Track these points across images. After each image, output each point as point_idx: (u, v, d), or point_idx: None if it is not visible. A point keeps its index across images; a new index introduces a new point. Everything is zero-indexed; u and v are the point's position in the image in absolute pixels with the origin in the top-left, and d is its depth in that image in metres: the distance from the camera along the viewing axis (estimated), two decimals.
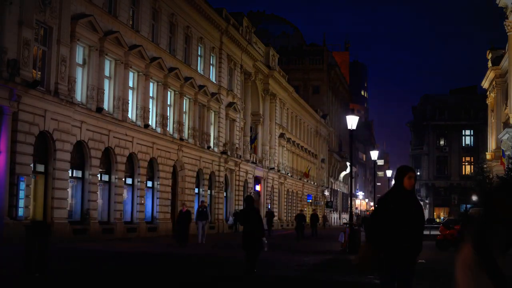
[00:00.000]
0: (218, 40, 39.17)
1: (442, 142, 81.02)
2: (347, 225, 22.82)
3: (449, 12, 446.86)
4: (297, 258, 18.44)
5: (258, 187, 48.74)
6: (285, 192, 57.89)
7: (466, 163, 79.28)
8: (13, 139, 19.43)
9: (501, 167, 42.68)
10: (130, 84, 28.44)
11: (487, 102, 62.77)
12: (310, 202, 65.78)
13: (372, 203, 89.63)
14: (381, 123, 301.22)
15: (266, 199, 50.36)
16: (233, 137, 42.10)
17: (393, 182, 6.20)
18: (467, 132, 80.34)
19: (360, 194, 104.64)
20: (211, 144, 37.76)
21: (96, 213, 24.94)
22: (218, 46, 39.30)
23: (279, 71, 54.48)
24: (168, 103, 32.37)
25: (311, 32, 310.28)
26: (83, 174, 24.45)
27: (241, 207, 38.99)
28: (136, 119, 28.64)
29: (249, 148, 45.80)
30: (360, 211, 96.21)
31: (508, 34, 43.71)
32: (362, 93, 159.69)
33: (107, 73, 26.18)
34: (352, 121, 23.46)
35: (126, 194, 27.88)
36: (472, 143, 79.89)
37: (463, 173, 78.64)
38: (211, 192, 38.42)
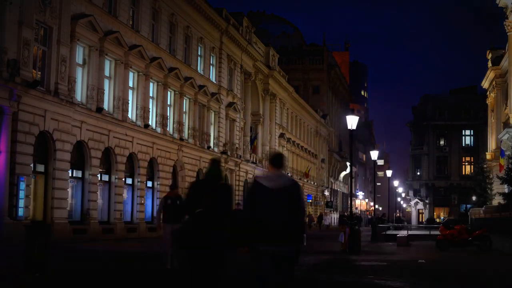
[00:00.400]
0: (218, 40, 39.17)
1: (442, 142, 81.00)
2: (346, 219, 22.80)
3: (449, 12, 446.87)
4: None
5: None
6: None
7: (466, 163, 79.25)
8: (13, 139, 19.43)
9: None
10: (130, 84, 28.44)
11: (487, 102, 62.76)
12: (310, 202, 65.75)
13: (372, 203, 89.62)
14: (381, 123, 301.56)
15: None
16: (233, 137, 42.11)
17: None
18: (467, 132, 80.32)
19: (360, 194, 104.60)
20: (211, 144, 37.76)
21: (96, 213, 24.95)
22: (218, 46, 39.31)
23: (279, 71, 54.48)
24: (168, 103, 32.37)
25: (311, 32, 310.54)
26: (83, 174, 24.45)
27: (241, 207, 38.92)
28: (136, 119, 28.64)
29: (249, 148, 45.80)
30: (360, 211, 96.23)
31: (508, 34, 43.72)
32: (362, 93, 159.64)
33: (107, 73, 26.18)
34: (352, 121, 23.46)
35: (126, 194, 27.89)
36: (472, 143, 79.86)
37: (463, 173, 78.61)
38: None
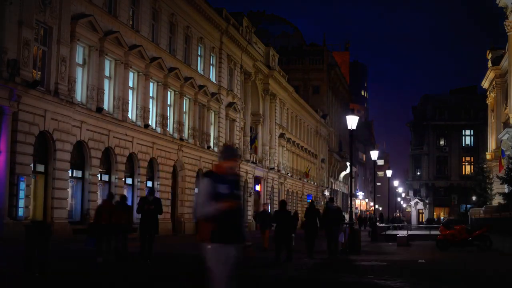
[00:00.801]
0: (218, 40, 39.17)
1: (442, 142, 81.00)
2: (347, 225, 22.80)
3: (449, 12, 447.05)
4: (297, 258, 18.42)
5: (258, 187, 48.74)
6: (285, 192, 57.87)
7: (466, 163, 79.25)
8: (13, 139, 19.43)
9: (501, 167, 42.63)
10: (130, 84, 28.44)
11: (487, 102, 62.76)
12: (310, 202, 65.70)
13: (372, 203, 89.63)
14: (381, 123, 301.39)
15: (266, 199, 50.34)
16: (233, 137, 42.11)
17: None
18: (467, 132, 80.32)
19: (360, 194, 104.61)
20: (211, 144, 37.76)
21: None
22: (218, 46, 39.31)
23: (279, 71, 54.48)
24: (168, 103, 32.38)
25: (311, 32, 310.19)
26: (83, 174, 24.45)
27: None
28: (136, 119, 28.64)
29: (249, 148, 45.80)
30: (360, 211, 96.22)
31: (508, 34, 43.71)
32: (362, 93, 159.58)
33: (107, 73, 26.18)
34: (352, 121, 23.46)
35: (126, 194, 27.85)
36: (472, 143, 79.87)
37: (463, 173, 78.60)
38: None
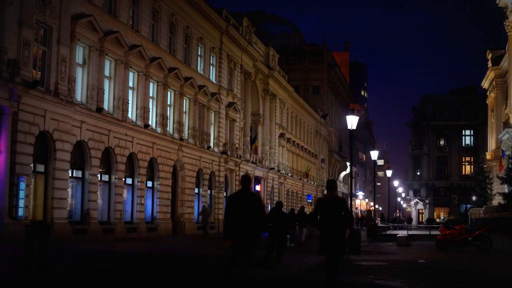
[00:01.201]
0: (218, 40, 39.17)
1: (442, 142, 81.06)
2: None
3: (449, 12, 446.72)
4: (297, 258, 18.43)
5: (258, 187, 48.73)
6: (285, 192, 57.88)
7: (466, 163, 79.33)
8: (13, 139, 19.44)
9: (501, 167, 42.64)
10: (130, 84, 28.44)
11: (487, 102, 62.79)
12: (310, 202, 65.77)
13: (372, 203, 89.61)
14: (381, 123, 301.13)
15: (267, 199, 50.36)
16: (233, 137, 42.10)
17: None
18: (467, 132, 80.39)
19: (360, 194, 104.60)
20: (211, 144, 37.76)
21: (96, 213, 24.94)
22: (218, 46, 39.31)
23: (279, 71, 54.47)
24: (168, 103, 32.37)
25: (311, 32, 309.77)
26: (83, 174, 24.45)
27: None
28: (136, 119, 28.64)
29: (249, 148, 45.79)
30: (360, 210, 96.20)
31: (508, 34, 43.73)
32: (362, 93, 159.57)
33: (107, 73, 26.18)
34: (352, 121, 23.46)
35: (126, 194, 27.88)
36: (472, 143, 79.94)
37: (463, 173, 78.68)
38: (211, 192, 38.43)
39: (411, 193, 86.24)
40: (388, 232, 39.76)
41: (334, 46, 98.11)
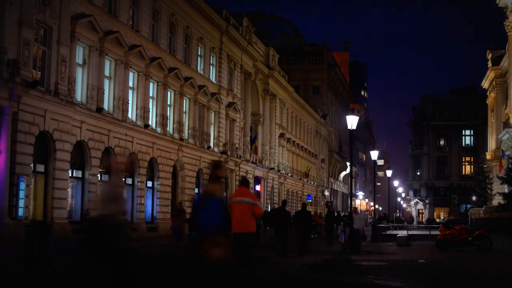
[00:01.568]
0: (218, 40, 39.17)
1: (442, 142, 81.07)
2: (346, 219, 22.86)
3: (449, 12, 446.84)
4: (297, 258, 18.44)
5: (258, 187, 48.73)
6: (285, 192, 57.87)
7: (466, 163, 79.33)
8: (13, 139, 19.44)
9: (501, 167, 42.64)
10: (130, 84, 28.44)
11: (487, 102, 62.80)
12: (310, 202, 65.78)
13: (372, 203, 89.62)
14: (381, 123, 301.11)
15: (267, 199, 50.36)
16: (233, 137, 42.11)
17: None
18: (467, 132, 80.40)
19: (360, 194, 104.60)
20: (211, 144, 37.76)
21: (96, 213, 24.87)
22: (218, 46, 39.31)
23: (279, 71, 54.47)
24: (168, 103, 32.38)
25: (311, 32, 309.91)
26: (83, 174, 24.45)
27: None
28: (136, 119, 28.64)
29: (249, 148, 45.79)
30: (361, 210, 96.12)
31: (508, 34, 43.73)
32: (362, 93, 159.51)
33: (107, 73, 26.18)
34: (352, 121, 23.47)
35: (126, 194, 27.80)
36: (472, 143, 79.94)
37: (463, 173, 78.68)
38: None
39: (411, 193, 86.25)
40: (388, 232, 39.77)
41: (334, 46, 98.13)
